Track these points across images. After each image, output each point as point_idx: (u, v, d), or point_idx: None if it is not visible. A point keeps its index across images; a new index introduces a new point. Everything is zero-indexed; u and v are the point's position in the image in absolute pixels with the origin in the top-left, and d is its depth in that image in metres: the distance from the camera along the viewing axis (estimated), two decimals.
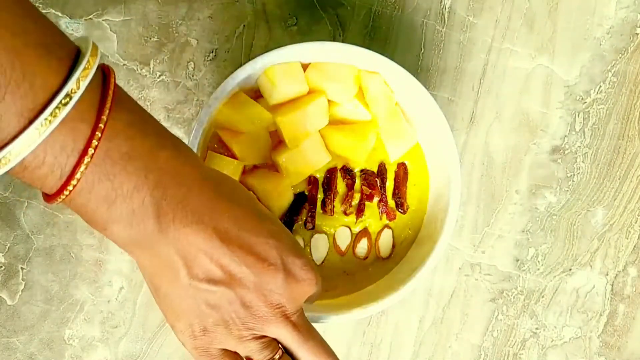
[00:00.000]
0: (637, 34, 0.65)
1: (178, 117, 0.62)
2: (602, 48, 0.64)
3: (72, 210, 0.39)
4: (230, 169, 0.56)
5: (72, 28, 0.61)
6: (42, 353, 0.61)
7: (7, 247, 0.61)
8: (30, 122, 0.35)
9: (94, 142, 0.37)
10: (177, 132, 0.62)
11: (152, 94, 0.62)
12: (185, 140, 0.62)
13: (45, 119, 0.35)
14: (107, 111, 0.37)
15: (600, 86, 0.64)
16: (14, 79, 0.34)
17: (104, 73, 0.39)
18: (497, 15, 0.64)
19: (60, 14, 0.61)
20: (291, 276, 0.44)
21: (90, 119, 0.37)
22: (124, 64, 0.62)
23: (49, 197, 0.38)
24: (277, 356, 0.45)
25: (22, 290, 0.61)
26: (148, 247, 0.41)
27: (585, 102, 0.64)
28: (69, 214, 0.61)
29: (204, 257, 0.41)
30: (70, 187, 0.37)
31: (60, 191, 0.37)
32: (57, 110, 0.35)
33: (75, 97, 0.36)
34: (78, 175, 0.37)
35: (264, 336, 0.45)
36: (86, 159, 0.37)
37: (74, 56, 0.37)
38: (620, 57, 0.64)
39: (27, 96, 0.35)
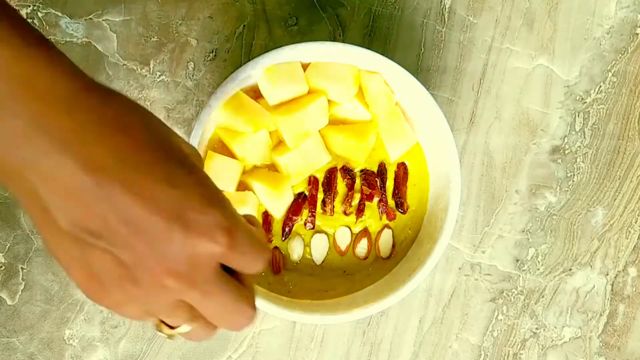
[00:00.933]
0: (637, 34, 0.65)
1: (178, 117, 0.62)
2: (602, 48, 0.64)
3: None
4: (230, 169, 0.56)
5: (72, 28, 0.61)
6: (42, 353, 0.61)
7: (7, 247, 0.61)
8: None
9: None
10: (177, 132, 0.62)
11: (152, 94, 0.62)
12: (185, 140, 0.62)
13: None
14: None
15: (600, 86, 0.64)
16: None
17: None
18: (497, 15, 0.64)
19: (60, 14, 0.61)
20: (192, 237, 0.33)
21: None
22: (124, 64, 0.62)
23: None
24: (187, 324, 0.38)
25: (22, 290, 0.61)
26: (15, 178, 0.33)
27: (585, 102, 0.64)
28: None
29: (80, 201, 0.32)
30: None
31: None
32: None
33: None
34: None
35: (177, 301, 0.36)
36: None
37: None
38: (620, 57, 0.64)
39: None
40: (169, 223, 0.33)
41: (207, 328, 0.39)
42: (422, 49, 0.64)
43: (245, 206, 0.56)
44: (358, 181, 0.59)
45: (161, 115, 0.62)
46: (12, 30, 0.31)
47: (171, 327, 0.38)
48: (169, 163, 0.33)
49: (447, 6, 0.64)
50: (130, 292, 0.35)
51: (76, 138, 0.31)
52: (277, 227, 0.59)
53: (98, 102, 0.32)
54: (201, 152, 0.56)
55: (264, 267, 0.38)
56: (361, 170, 0.59)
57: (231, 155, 0.57)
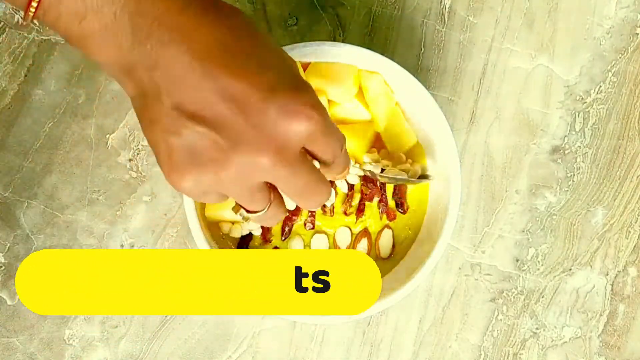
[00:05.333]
0: (637, 34, 0.65)
1: None
2: (602, 48, 0.64)
3: (53, 29, 0.38)
4: None
5: None
6: (42, 353, 0.61)
7: (7, 247, 0.61)
8: None
9: None
10: None
11: None
12: None
13: None
14: None
15: (600, 86, 0.64)
16: None
17: None
18: (497, 15, 0.64)
19: None
20: (286, 112, 0.37)
21: None
22: None
23: (25, 15, 0.37)
24: (267, 207, 0.41)
25: None
26: (129, 72, 0.38)
27: (585, 102, 0.64)
28: (69, 214, 0.61)
29: (184, 85, 0.37)
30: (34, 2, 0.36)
31: (28, 4, 0.36)
32: None
33: None
34: None
35: (261, 183, 0.40)
36: None
37: None
38: (620, 57, 0.64)
39: None
40: (266, 98, 0.36)
41: (278, 212, 0.42)
42: (422, 49, 0.64)
43: None
44: (358, 181, 0.59)
45: None
46: None
47: (247, 211, 0.41)
48: (264, 51, 0.38)
49: (447, 6, 0.64)
50: (222, 174, 0.38)
51: (187, 32, 0.36)
52: (276, 227, 0.59)
53: (206, 3, 0.37)
54: None
55: (338, 155, 0.42)
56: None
57: None
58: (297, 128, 0.37)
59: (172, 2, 0.37)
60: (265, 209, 0.41)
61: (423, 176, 0.54)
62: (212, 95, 0.36)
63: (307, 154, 0.41)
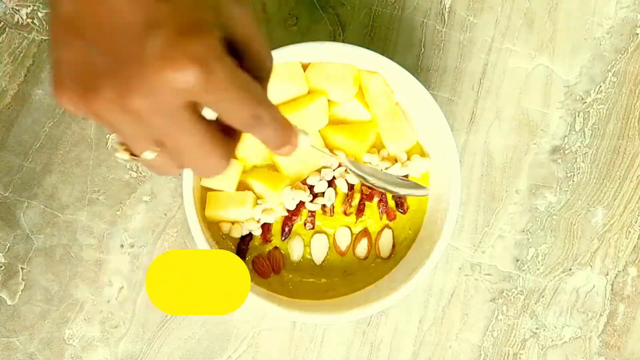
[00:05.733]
0: (637, 34, 0.65)
1: None
2: (602, 48, 0.64)
3: None
4: (230, 168, 0.56)
5: None
6: (42, 353, 0.61)
7: (7, 247, 0.61)
8: None
9: None
10: None
11: None
12: None
13: None
14: None
15: (600, 86, 0.64)
16: None
17: None
18: (497, 15, 0.64)
19: None
20: (163, 55, 0.30)
21: None
22: None
23: None
24: (150, 152, 0.35)
25: (22, 290, 0.61)
26: None
27: (585, 102, 0.64)
28: (69, 214, 0.61)
29: None
30: None
31: None
32: None
33: None
34: None
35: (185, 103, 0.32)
36: None
37: None
38: (620, 57, 0.64)
39: None
40: (148, 30, 0.30)
41: (170, 161, 0.35)
42: (422, 49, 0.64)
43: (245, 206, 0.56)
44: (358, 181, 0.59)
45: None
46: None
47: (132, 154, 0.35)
48: None
49: (447, 6, 0.64)
50: (89, 98, 0.32)
51: None
52: (276, 227, 0.59)
53: None
54: None
55: (252, 120, 0.34)
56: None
57: None
58: (169, 80, 0.30)
59: None
60: (152, 153, 0.35)
61: (418, 185, 0.53)
62: (100, 8, 0.31)
63: (198, 109, 0.33)
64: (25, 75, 0.62)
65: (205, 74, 0.30)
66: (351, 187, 0.59)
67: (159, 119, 0.32)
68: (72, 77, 0.32)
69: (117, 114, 0.32)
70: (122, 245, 0.62)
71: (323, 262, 0.59)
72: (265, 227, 0.58)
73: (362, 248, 0.59)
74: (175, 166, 0.36)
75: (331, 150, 0.58)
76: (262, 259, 0.58)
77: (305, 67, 0.57)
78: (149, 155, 0.34)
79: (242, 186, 0.57)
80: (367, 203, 0.59)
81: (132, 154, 0.35)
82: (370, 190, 0.59)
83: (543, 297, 0.64)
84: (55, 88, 0.33)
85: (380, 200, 0.59)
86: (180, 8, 0.30)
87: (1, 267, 0.61)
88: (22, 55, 0.62)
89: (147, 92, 0.31)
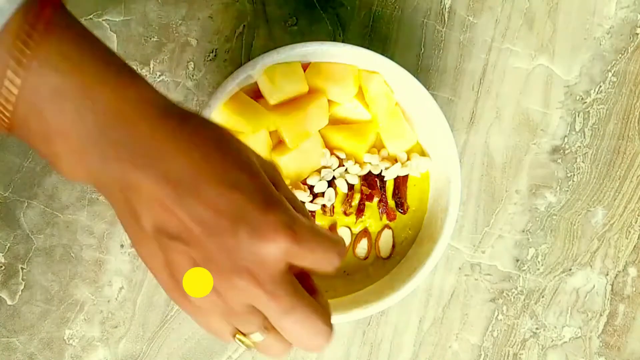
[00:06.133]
0: (637, 34, 0.65)
1: None
2: (602, 48, 0.64)
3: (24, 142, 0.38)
4: None
5: None
6: (42, 353, 0.61)
7: (7, 247, 0.61)
8: None
9: (15, 78, 0.34)
10: None
11: None
12: None
13: None
14: (30, 42, 0.34)
15: (600, 86, 0.64)
16: None
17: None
18: (497, 15, 0.64)
19: None
20: (256, 236, 0.36)
21: (14, 45, 0.34)
22: None
23: None
24: (260, 333, 0.40)
25: (22, 290, 0.61)
26: (102, 188, 0.38)
27: (585, 102, 0.64)
28: (69, 214, 0.61)
29: (159, 208, 0.36)
30: (4, 117, 0.36)
31: None
32: None
33: None
34: (10, 108, 0.35)
35: (248, 306, 0.38)
36: (5, 93, 0.35)
37: None
38: (620, 57, 0.64)
39: None
40: (235, 223, 0.36)
41: (281, 340, 0.40)
42: (422, 49, 0.64)
43: None
44: (358, 181, 0.59)
45: None
46: (105, 68, 0.37)
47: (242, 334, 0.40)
48: (234, 171, 0.37)
49: (447, 6, 0.64)
50: (206, 295, 0.38)
51: (158, 156, 0.36)
52: None
53: (176, 124, 0.37)
54: None
55: (337, 262, 0.40)
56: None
57: None
58: (268, 250, 0.36)
59: (138, 127, 0.36)
60: (258, 332, 0.40)
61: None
62: (186, 221, 0.36)
63: (293, 274, 0.39)
64: None
65: (292, 233, 0.37)
66: (351, 187, 0.59)
67: (259, 290, 0.37)
68: (178, 279, 0.38)
69: (230, 297, 0.38)
70: (122, 245, 0.62)
71: None
72: None
73: (362, 248, 0.59)
74: (286, 344, 0.41)
75: (331, 150, 0.58)
76: None
77: (305, 67, 0.57)
78: (258, 336, 0.40)
79: None
80: (367, 203, 0.59)
81: (245, 338, 0.41)
82: (370, 190, 0.59)
83: (543, 297, 0.64)
84: (172, 295, 0.39)
85: (380, 200, 0.59)
86: (251, 193, 0.37)
87: (1, 267, 0.61)
88: None
89: (251, 269, 0.37)
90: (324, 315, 0.39)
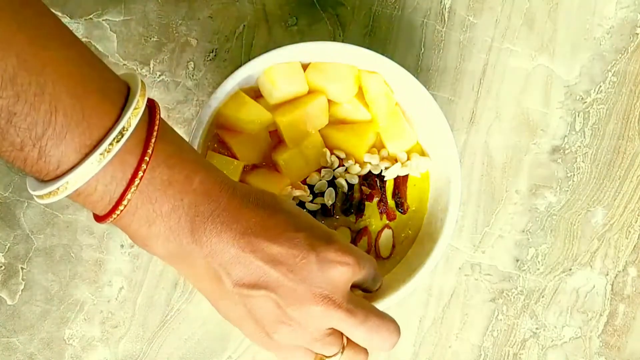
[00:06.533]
0: (637, 34, 0.65)
1: (178, 117, 0.62)
2: (602, 48, 0.64)
3: (117, 227, 0.44)
4: (230, 168, 0.56)
5: (72, 28, 0.61)
6: (42, 353, 0.61)
7: (7, 247, 0.61)
8: (87, 156, 0.39)
9: (140, 174, 0.41)
10: (178, 132, 0.62)
11: (152, 94, 0.62)
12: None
13: (101, 154, 0.39)
14: (152, 145, 0.42)
15: (600, 86, 0.64)
16: (74, 120, 0.39)
17: (150, 107, 0.44)
18: (497, 15, 0.64)
19: (60, 14, 0.61)
20: (325, 263, 0.45)
21: (138, 152, 0.41)
22: (124, 64, 0.62)
23: (98, 218, 0.43)
24: (340, 349, 0.47)
25: (22, 290, 0.61)
26: (186, 259, 0.45)
27: (585, 102, 0.64)
28: (69, 214, 0.61)
29: (238, 263, 0.44)
30: (117, 212, 0.42)
31: (109, 214, 0.42)
32: (110, 147, 0.40)
33: (127, 135, 0.40)
34: (125, 202, 0.41)
35: (328, 329, 0.46)
36: (132, 188, 0.41)
37: (125, 94, 0.42)
38: (620, 57, 0.64)
39: (84, 134, 0.39)
40: (305, 254, 0.44)
41: (359, 352, 0.48)
42: (422, 49, 0.64)
43: None
44: (358, 181, 0.59)
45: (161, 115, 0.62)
46: (196, 160, 0.45)
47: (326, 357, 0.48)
48: (294, 218, 0.46)
49: (447, 6, 0.64)
50: (289, 329, 0.45)
51: (235, 220, 0.44)
52: None
53: (244, 194, 0.45)
54: (201, 152, 0.56)
55: (381, 278, 0.52)
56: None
57: (231, 155, 0.57)
58: (338, 274, 0.45)
59: (221, 199, 0.44)
60: (340, 352, 0.47)
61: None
62: (263, 265, 0.44)
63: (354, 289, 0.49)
64: None
65: (356, 258, 0.46)
66: (351, 186, 0.59)
67: (338, 311, 0.45)
68: (264, 323, 0.46)
69: (309, 328, 0.45)
70: (122, 245, 0.62)
71: None
72: None
73: (362, 248, 0.59)
74: (364, 355, 0.49)
75: (331, 150, 0.58)
76: None
77: (305, 67, 0.57)
78: (339, 356, 0.47)
79: None
80: (367, 203, 0.59)
81: (326, 357, 0.48)
82: (370, 190, 0.59)
83: (543, 297, 0.64)
84: (263, 343, 0.47)
85: (380, 200, 0.59)
86: (313, 231, 0.46)
87: (1, 267, 0.61)
88: None
89: (326, 294, 0.45)
90: (387, 315, 0.47)
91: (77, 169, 0.39)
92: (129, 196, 0.41)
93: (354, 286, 0.49)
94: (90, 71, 0.41)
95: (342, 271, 0.45)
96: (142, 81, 0.43)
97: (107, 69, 0.43)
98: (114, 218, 0.42)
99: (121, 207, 0.42)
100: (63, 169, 0.40)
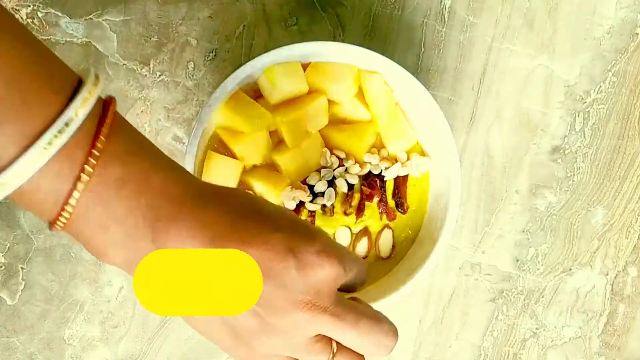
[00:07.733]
0: (637, 34, 0.65)
1: (178, 117, 0.62)
2: (602, 48, 0.64)
3: (72, 237, 0.40)
4: (230, 169, 0.56)
5: (72, 28, 0.61)
6: (42, 353, 0.61)
7: (7, 247, 0.61)
8: (27, 148, 0.36)
9: (87, 168, 0.37)
10: (177, 132, 0.62)
11: (152, 94, 0.62)
12: (185, 140, 0.62)
13: (44, 147, 0.36)
14: (102, 139, 0.38)
15: (600, 86, 0.64)
16: (14, 108, 0.35)
17: (107, 102, 0.40)
18: (497, 15, 0.64)
19: (60, 14, 0.61)
20: (306, 266, 0.40)
21: (87, 146, 0.37)
22: (124, 64, 0.62)
23: (49, 224, 0.39)
24: (330, 356, 0.43)
25: (22, 290, 0.61)
26: None
27: (585, 102, 0.64)
28: None
29: None
30: (66, 214, 0.38)
31: (57, 218, 0.38)
32: (54, 139, 0.36)
33: (72, 126, 0.36)
34: (72, 202, 0.37)
35: (314, 337, 0.42)
36: (80, 185, 0.37)
37: (76, 86, 0.38)
38: (620, 57, 0.64)
39: (24, 124, 0.35)
40: (283, 257, 0.39)
41: (352, 356, 0.43)
42: (422, 49, 0.64)
43: None
44: (358, 181, 0.59)
45: (161, 115, 0.62)
46: (157, 158, 0.41)
47: None
48: (271, 218, 0.41)
49: (447, 6, 0.64)
50: (270, 339, 0.41)
51: (203, 224, 0.39)
52: None
53: (211, 195, 0.41)
54: (201, 152, 0.56)
55: (366, 278, 0.46)
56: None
57: (231, 155, 0.57)
58: (321, 277, 0.40)
59: (185, 200, 0.39)
60: (330, 357, 0.43)
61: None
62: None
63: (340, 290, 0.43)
64: None
65: (339, 259, 0.41)
66: (351, 187, 0.59)
67: (324, 316, 0.41)
68: (242, 336, 0.41)
69: (294, 337, 0.41)
70: None
71: None
72: None
73: (362, 248, 0.59)
74: (356, 358, 0.44)
75: (331, 150, 0.58)
76: None
77: (305, 67, 0.57)
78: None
79: (243, 186, 0.57)
80: (367, 203, 0.59)
81: None
82: (370, 190, 0.59)
83: (543, 297, 0.64)
84: (243, 357, 0.42)
85: (380, 200, 0.59)
86: (290, 229, 0.40)
87: (1, 267, 0.61)
88: None
89: (309, 299, 0.40)
90: (383, 316, 0.43)
91: (18, 162, 0.35)
92: (76, 195, 0.37)
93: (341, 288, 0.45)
94: (36, 58, 0.37)
95: (324, 274, 0.40)
96: (96, 74, 0.39)
97: (57, 60, 0.39)
98: (64, 223, 0.38)
99: (68, 208, 0.37)
100: (2, 164, 0.36)
